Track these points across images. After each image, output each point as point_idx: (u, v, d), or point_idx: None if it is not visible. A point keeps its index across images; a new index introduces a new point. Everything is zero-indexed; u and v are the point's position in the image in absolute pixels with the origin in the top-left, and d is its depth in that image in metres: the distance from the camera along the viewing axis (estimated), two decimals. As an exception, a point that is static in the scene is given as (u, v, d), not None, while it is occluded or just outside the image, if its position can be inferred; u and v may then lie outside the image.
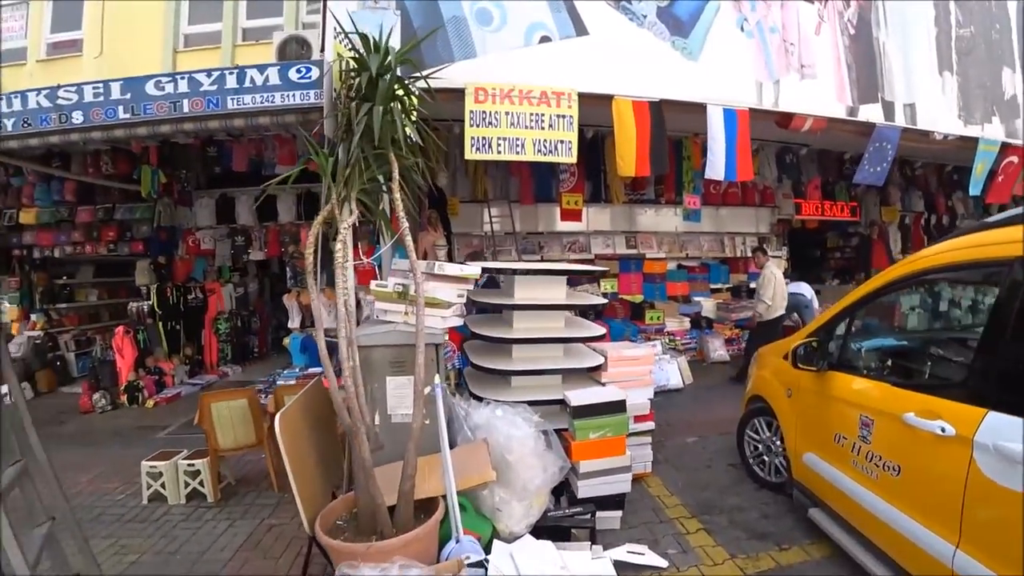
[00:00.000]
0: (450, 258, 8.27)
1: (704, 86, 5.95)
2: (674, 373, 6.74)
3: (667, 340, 8.09)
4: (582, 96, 5.47)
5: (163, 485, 4.23)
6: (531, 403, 3.80)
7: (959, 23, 7.74)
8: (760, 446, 4.41)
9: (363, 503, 2.86)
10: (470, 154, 5.22)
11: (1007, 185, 8.28)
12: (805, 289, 7.91)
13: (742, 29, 6.18)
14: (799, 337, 3.97)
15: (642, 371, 4.40)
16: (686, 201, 8.32)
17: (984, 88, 7.88)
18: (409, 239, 3.30)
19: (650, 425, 4.43)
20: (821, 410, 3.53)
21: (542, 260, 8.76)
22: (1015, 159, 8.11)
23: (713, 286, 9.54)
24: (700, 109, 5.94)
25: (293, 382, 6.52)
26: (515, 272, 4.05)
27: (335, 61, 4.16)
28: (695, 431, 5.56)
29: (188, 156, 7.89)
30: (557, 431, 3.80)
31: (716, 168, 6.00)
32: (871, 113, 6.90)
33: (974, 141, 7.68)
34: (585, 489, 3.61)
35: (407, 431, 3.03)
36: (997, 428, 2.29)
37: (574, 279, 8.78)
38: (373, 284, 3.65)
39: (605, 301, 4.57)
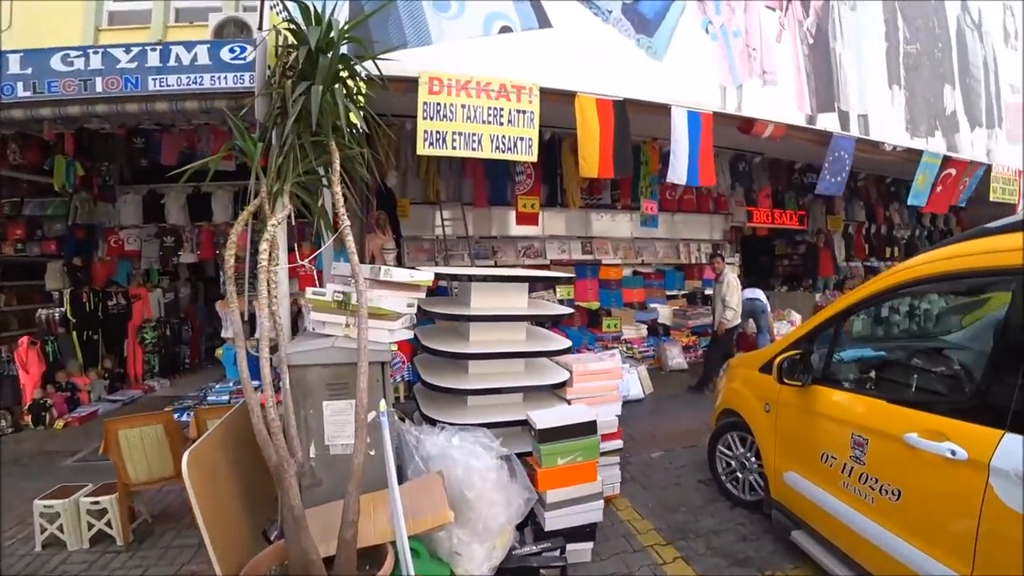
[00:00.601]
0: (399, 263, 7.75)
1: (668, 87, 5.67)
2: (635, 383, 6.42)
3: (625, 348, 7.79)
4: (544, 92, 5.09)
5: (61, 528, 3.53)
6: (490, 425, 3.37)
7: (906, 39, 7.81)
8: (733, 462, 4.10)
9: (295, 557, 2.34)
10: (423, 149, 4.74)
11: (945, 196, 8.39)
12: (760, 295, 7.79)
13: (707, 31, 5.94)
14: (776, 349, 3.68)
15: (609, 386, 4.01)
16: (644, 207, 8.06)
17: (928, 103, 7.98)
18: (351, 239, 2.81)
19: (618, 444, 4.05)
20: (805, 427, 3.22)
21: (496, 265, 8.32)
22: (953, 171, 8.26)
23: (669, 293, 9.32)
24: (663, 111, 5.66)
25: (226, 397, 5.89)
26: (472, 279, 3.58)
27: (270, 32, 3.61)
28: (660, 444, 5.23)
29: (111, 147, 7.05)
30: (520, 455, 3.37)
31: (679, 172, 5.73)
32: (828, 122, 6.81)
33: (918, 153, 7.76)
34: (553, 521, 3.18)
35: (348, 463, 2.53)
36: (1018, 452, 2.03)
37: (531, 286, 8.45)
38: (309, 292, 3.12)
39: (571, 311, 4.10)
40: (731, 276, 6.91)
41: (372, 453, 2.81)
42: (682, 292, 9.43)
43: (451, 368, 3.65)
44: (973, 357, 3.26)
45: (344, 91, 3.27)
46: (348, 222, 2.84)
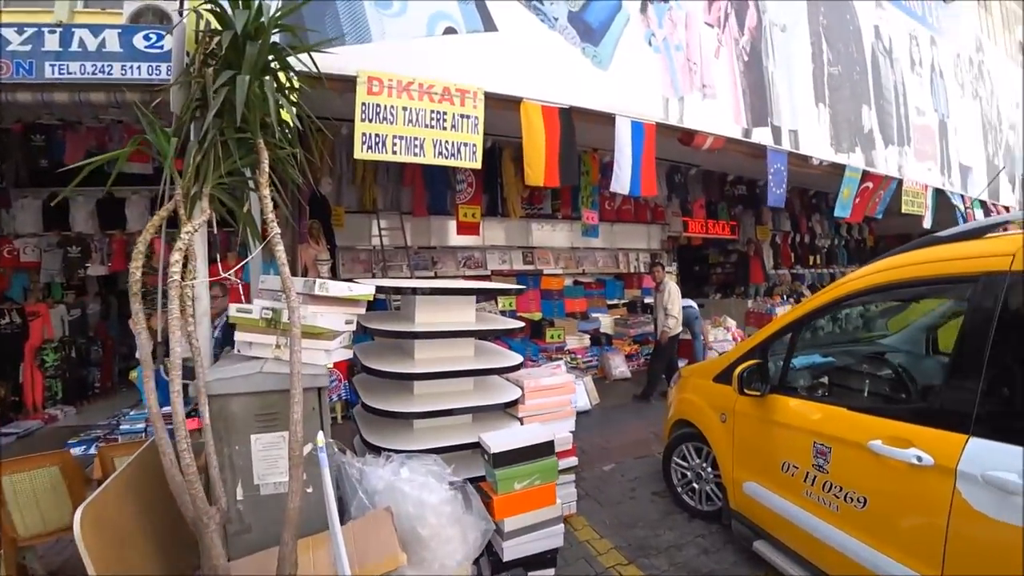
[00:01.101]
0: (334, 275, 7.31)
1: (613, 97, 5.57)
2: (581, 394, 6.26)
3: (569, 359, 7.64)
4: (488, 97, 4.86)
5: (-71, 591, 2.95)
6: (439, 450, 3.08)
7: (830, 61, 8.14)
8: (689, 473, 3.97)
9: (216, 622, 1.98)
10: (360, 153, 4.40)
11: (862, 207, 8.77)
12: (691, 302, 7.81)
13: (650, 43, 5.90)
14: (730, 358, 3.58)
15: (562, 401, 3.81)
16: (585, 217, 7.97)
17: (849, 122, 8.35)
18: (281, 250, 2.47)
19: (573, 461, 3.85)
20: (764, 437, 3.12)
21: (436, 276, 8.01)
22: (871, 185, 8.68)
23: (610, 302, 9.28)
24: (606, 120, 5.56)
25: (141, 426, 5.27)
26: (416, 292, 3.29)
27: (189, 14, 3.21)
28: (612, 457, 5.07)
29: (4, 144, 6.29)
30: (472, 481, 3.10)
31: (622, 182, 5.63)
32: (762, 136, 6.94)
33: (841, 167, 8.08)
34: (512, 550, 2.92)
35: (282, 505, 2.19)
36: (983, 456, 2.01)
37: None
38: (233, 309, 2.74)
39: (522, 324, 3.84)
40: (671, 285, 6.91)
41: (310, 491, 2.47)
42: (622, 301, 9.43)
43: (394, 389, 3.33)
44: (931, 362, 3.28)
45: (275, 84, 2.93)
46: (278, 230, 2.50)
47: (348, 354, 3.01)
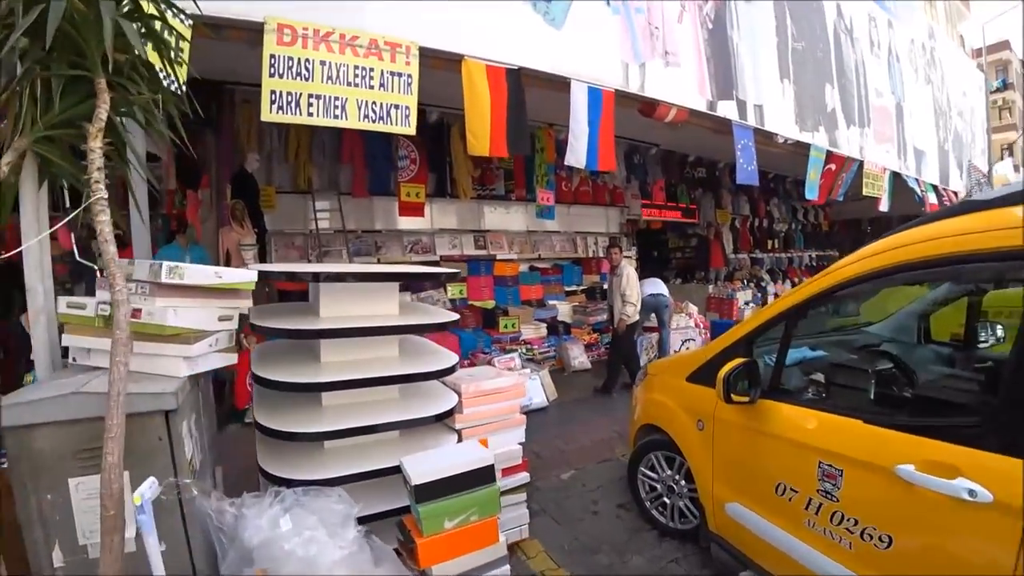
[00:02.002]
0: (262, 260, 6.50)
1: (567, 60, 4.92)
2: (537, 390, 5.67)
3: (524, 350, 7.04)
4: (425, 53, 4.16)
5: None
6: (356, 477, 2.43)
7: (794, 36, 7.71)
8: (659, 486, 3.41)
9: None
10: (269, 114, 3.64)
11: (826, 188, 8.44)
12: (663, 288, 7.33)
13: (608, 3, 5.27)
14: (707, 354, 3.01)
15: (510, 407, 3.19)
16: (540, 197, 7.35)
17: (813, 100, 7.95)
18: (104, 221, 1.75)
19: (524, 477, 3.23)
20: (753, 450, 2.56)
21: (379, 262, 7.27)
22: (833, 166, 8.36)
23: (567, 288, 8.69)
24: (560, 86, 4.92)
25: None
26: (320, 278, 2.59)
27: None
28: (571, 462, 4.48)
29: None
30: (396, 514, 2.47)
31: (577, 154, 5.02)
32: (727, 110, 6.43)
33: (805, 147, 7.70)
34: (441, 606, 2.30)
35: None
36: None
37: (416, 285, 7.50)
38: (63, 304, 2.01)
39: (456, 317, 3.16)
40: (629, 269, 6.33)
41: (164, 549, 1.78)
42: (581, 287, 8.85)
43: (298, 403, 2.63)
44: (974, 361, 2.77)
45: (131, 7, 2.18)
46: (103, 194, 1.78)
47: (226, 360, 2.30)
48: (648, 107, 5.71)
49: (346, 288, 2.66)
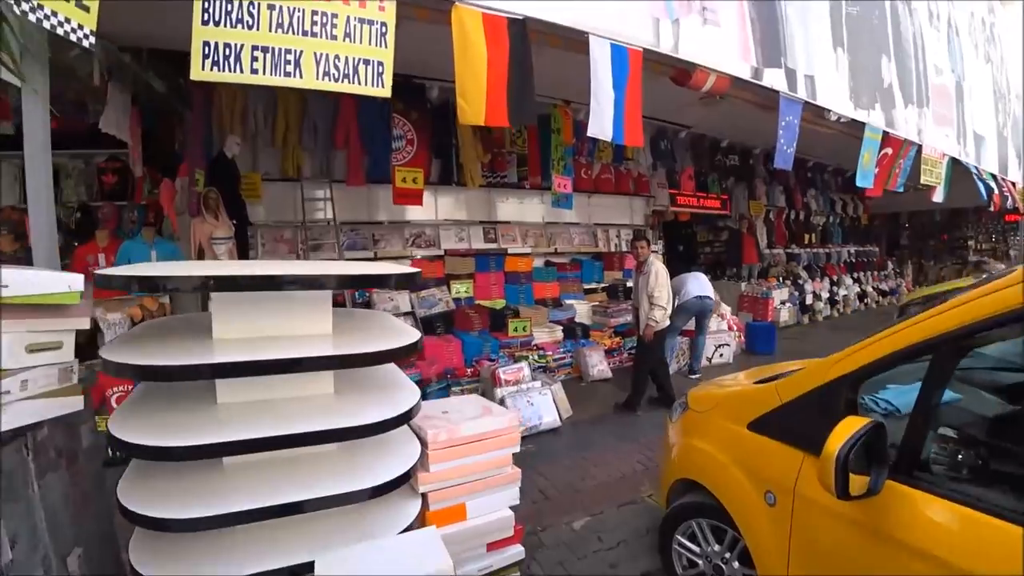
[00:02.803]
0: (242, 256, 5.70)
1: (586, 11, 3.99)
2: (547, 407, 4.77)
3: (536, 356, 6.13)
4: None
5: None
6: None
7: (848, -1, 6.64)
8: (701, 562, 2.48)
9: None
10: (200, 71, 2.77)
11: (882, 177, 7.34)
12: (709, 289, 6.33)
13: (633, -56, 4.32)
14: (781, 394, 2.07)
15: (500, 459, 2.30)
16: (556, 184, 6.41)
17: (868, 73, 6.84)
18: None
19: (516, 553, 2.35)
20: (863, 558, 1.61)
21: (376, 258, 6.44)
22: (889, 150, 7.24)
23: (587, 286, 7.77)
24: (577, 46, 3.99)
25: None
26: (210, 284, 1.69)
27: None
28: (585, 504, 3.57)
29: None
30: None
31: (601, 123, 4.07)
32: (775, 80, 5.41)
33: (858, 128, 6.63)
34: None
35: None
36: None
37: (419, 283, 6.67)
38: None
39: (416, 336, 2.13)
40: (658, 265, 5.32)
41: None
42: (601, 285, 7.91)
43: (193, 473, 1.76)
44: None
45: None
46: None
47: (67, 405, 1.45)
48: (682, 74, 4.74)
49: (253, 299, 1.78)
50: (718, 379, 3.09)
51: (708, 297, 6.16)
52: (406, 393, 1.97)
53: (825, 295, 11.09)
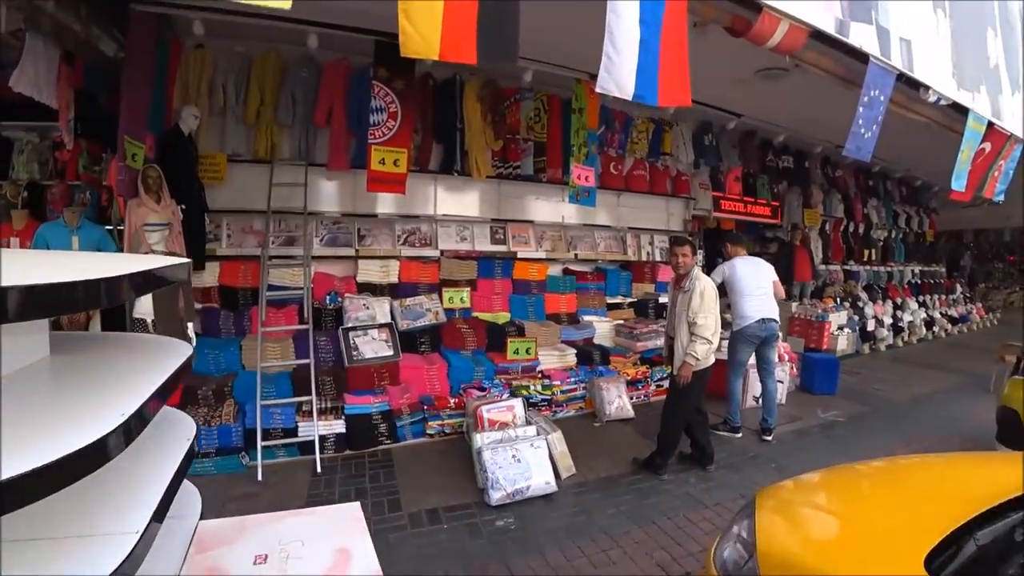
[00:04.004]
0: (195, 247, 4.60)
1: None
2: (540, 464, 3.43)
3: (539, 387, 4.81)
4: None
5: None
6: None
7: (946, -47, 5.09)
8: None
9: None
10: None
11: (975, 179, 5.77)
12: (774, 309, 4.64)
13: None
14: None
15: None
16: (574, 175, 5.08)
17: (972, 46, 5.28)
18: None
19: None
20: None
21: (357, 255, 5.26)
22: (988, 146, 5.65)
23: (611, 300, 6.38)
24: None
25: None
26: None
27: None
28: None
29: None
30: None
31: (618, 74, 2.71)
32: (863, 37, 3.97)
33: (961, 114, 5.09)
34: None
35: None
36: None
37: (404, 289, 5.41)
38: None
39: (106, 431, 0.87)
40: (705, 281, 3.76)
41: None
42: (629, 300, 6.51)
43: None
44: None
45: None
46: None
47: None
48: (741, 22, 3.38)
49: None
50: (802, 480, 1.72)
51: (772, 320, 4.56)
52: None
53: (888, 320, 9.38)
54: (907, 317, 9.87)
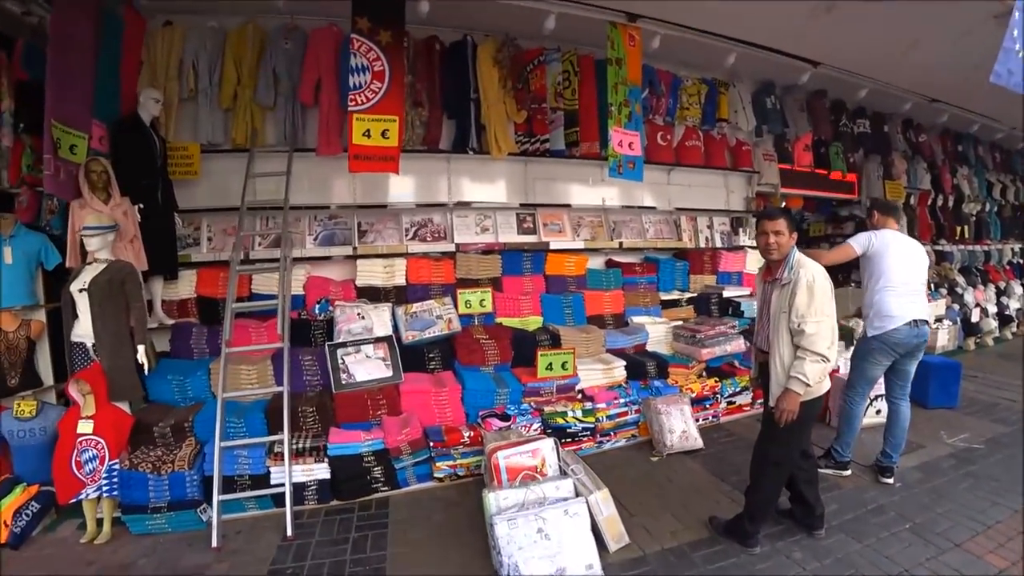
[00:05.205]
0: (161, 260, 3.73)
1: None
2: (578, 542, 2.28)
3: (579, 412, 3.68)
4: None
5: None
6: None
7: None
8: None
9: None
10: None
11: None
12: (925, 307, 3.26)
13: None
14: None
15: None
16: (614, 141, 3.93)
17: None
18: None
19: None
20: None
21: (355, 254, 4.29)
22: None
23: (665, 296, 5.16)
24: None
25: None
26: None
27: None
28: None
29: None
30: None
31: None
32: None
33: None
34: None
35: None
36: None
37: (412, 292, 4.24)
38: None
39: None
40: (813, 269, 2.41)
41: None
42: (687, 295, 5.26)
43: None
44: None
45: None
46: None
47: None
48: None
49: None
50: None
51: (927, 324, 3.22)
52: None
53: (992, 308, 7.75)
54: (1013, 304, 8.19)
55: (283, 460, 2.99)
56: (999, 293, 8.23)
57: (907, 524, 2.81)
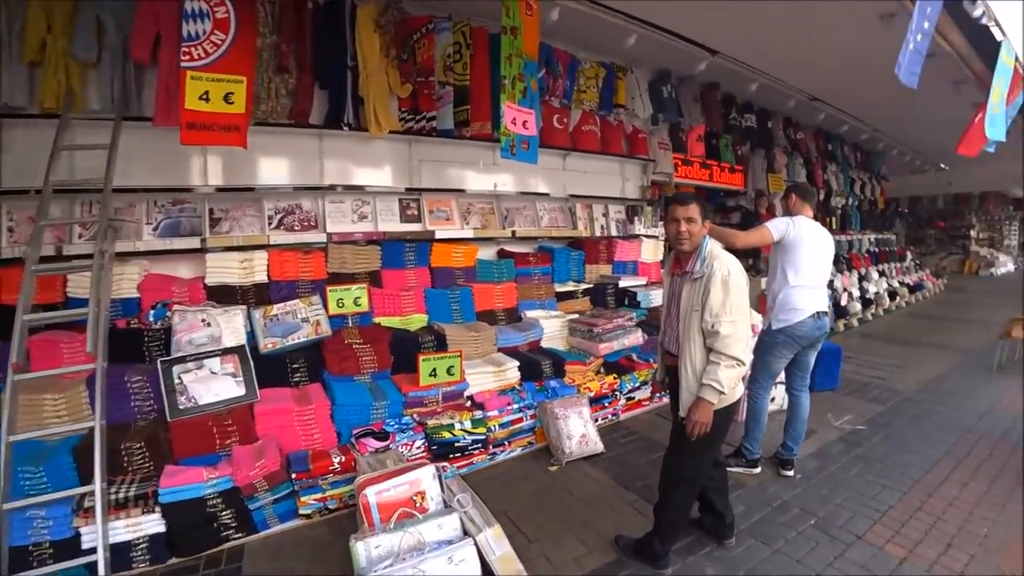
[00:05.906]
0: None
1: None
2: (467, 567, 2.01)
3: (466, 423, 3.33)
4: None
5: None
6: None
7: None
8: None
9: None
10: None
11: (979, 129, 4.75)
12: (824, 300, 3.21)
13: None
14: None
15: None
16: (507, 119, 3.58)
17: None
18: None
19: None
20: None
21: (203, 247, 3.58)
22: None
23: (560, 288, 4.94)
24: None
25: None
26: None
27: None
28: None
29: None
30: None
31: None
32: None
33: (989, 47, 4.06)
34: None
35: None
36: None
37: (276, 291, 3.69)
38: None
39: None
40: (728, 262, 2.19)
41: None
42: (583, 286, 5.09)
43: None
44: None
45: None
46: None
47: None
48: None
49: None
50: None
51: (826, 313, 3.19)
52: None
53: (856, 292, 8.49)
54: (872, 288, 9.06)
55: (95, 517, 2.33)
56: (861, 279, 9.05)
57: (811, 520, 2.80)
